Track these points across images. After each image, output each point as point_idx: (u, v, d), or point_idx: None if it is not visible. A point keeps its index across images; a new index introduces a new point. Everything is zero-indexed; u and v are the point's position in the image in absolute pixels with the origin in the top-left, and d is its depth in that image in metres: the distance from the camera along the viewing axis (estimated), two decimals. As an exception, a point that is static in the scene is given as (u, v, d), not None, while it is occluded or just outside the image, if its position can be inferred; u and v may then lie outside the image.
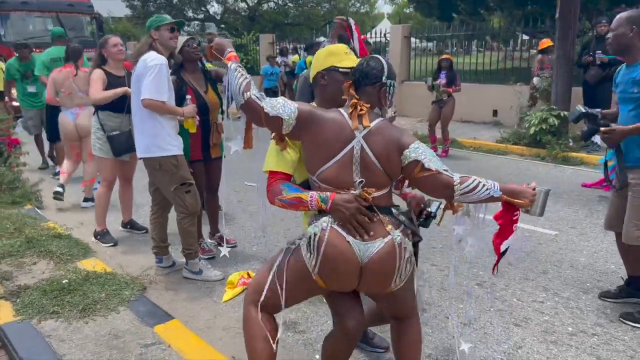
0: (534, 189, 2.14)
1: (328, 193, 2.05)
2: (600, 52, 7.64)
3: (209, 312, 3.40)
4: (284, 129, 2.07)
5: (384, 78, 2.11)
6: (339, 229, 2.02)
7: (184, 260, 3.93)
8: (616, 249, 3.65)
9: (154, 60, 3.48)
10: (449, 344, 3.02)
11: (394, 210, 2.11)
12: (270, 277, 2.17)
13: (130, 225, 4.95)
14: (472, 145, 9.25)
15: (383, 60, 2.15)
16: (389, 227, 2.04)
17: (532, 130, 8.33)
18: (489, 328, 3.20)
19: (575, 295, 3.62)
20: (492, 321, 3.28)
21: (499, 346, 3.01)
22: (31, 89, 7.27)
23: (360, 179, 2.05)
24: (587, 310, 3.40)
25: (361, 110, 2.05)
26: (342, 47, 2.31)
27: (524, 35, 14.28)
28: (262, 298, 2.18)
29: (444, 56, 8.42)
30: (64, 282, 3.61)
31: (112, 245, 4.53)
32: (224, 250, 3.25)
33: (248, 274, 3.85)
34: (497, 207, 2.20)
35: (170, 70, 3.71)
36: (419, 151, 2.05)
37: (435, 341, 3.05)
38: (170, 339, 3.01)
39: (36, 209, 5.47)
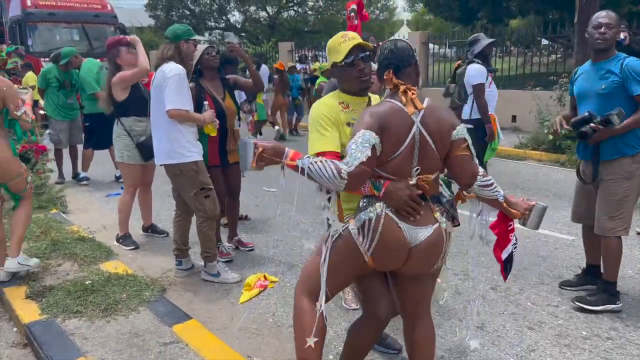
0: (531, 204, 2.34)
1: (381, 180, 2.11)
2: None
3: (226, 313, 3.48)
4: (377, 152, 2.06)
5: (415, 54, 2.23)
6: (392, 215, 2.09)
7: (202, 263, 4.03)
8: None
9: (172, 71, 3.61)
10: (462, 347, 3.05)
11: (441, 198, 2.22)
12: (321, 263, 2.21)
13: (151, 229, 5.07)
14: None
15: (405, 40, 2.28)
16: (437, 214, 2.15)
17: (551, 136, 8.25)
18: (502, 331, 3.21)
19: (591, 299, 3.61)
20: (505, 324, 3.29)
21: (512, 349, 3.02)
22: (69, 100, 7.12)
23: (417, 167, 2.12)
24: (601, 315, 3.38)
25: (413, 94, 2.12)
26: (337, 38, 2.35)
27: (544, 41, 14.16)
28: (315, 285, 2.23)
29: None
30: (87, 283, 3.75)
31: (133, 249, 4.66)
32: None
33: (265, 277, 3.93)
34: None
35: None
36: (465, 132, 2.20)
37: (448, 343, 3.08)
38: (188, 338, 3.10)
39: (61, 213, 5.65)
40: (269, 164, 2.08)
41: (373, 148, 2.03)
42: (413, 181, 2.11)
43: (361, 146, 2.00)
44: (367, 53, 2.32)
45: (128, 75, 4.43)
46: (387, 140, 2.07)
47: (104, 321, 3.30)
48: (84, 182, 7.25)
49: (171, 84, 3.57)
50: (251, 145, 2.05)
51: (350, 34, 2.38)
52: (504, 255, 2.38)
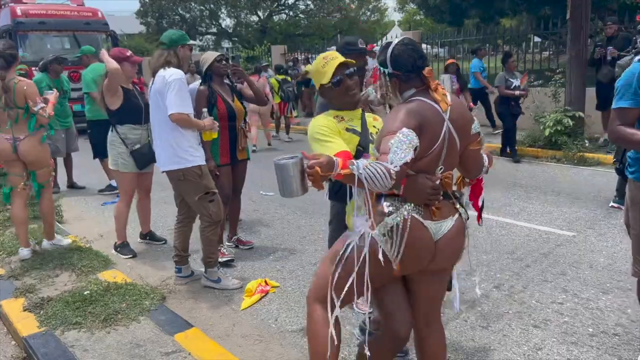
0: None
1: None
2: (611, 47, 7.68)
3: (228, 320, 3.44)
4: (415, 154, 1.97)
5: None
6: (417, 216, 2.06)
7: (202, 269, 3.99)
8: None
9: (172, 76, 3.59)
10: (467, 347, 3.02)
11: (456, 193, 2.22)
12: (338, 272, 2.14)
13: (149, 236, 5.02)
14: (487, 148, 9.20)
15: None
16: (457, 205, 2.17)
17: (547, 132, 8.27)
18: (508, 330, 3.18)
19: (595, 296, 3.59)
20: (510, 323, 3.26)
21: (519, 348, 2.99)
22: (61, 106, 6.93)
23: (441, 167, 2.10)
24: (607, 311, 3.36)
25: (443, 90, 2.08)
26: (319, 61, 2.48)
27: (535, 38, 14.21)
28: (333, 295, 2.16)
29: (450, 61, 8.44)
30: (85, 293, 3.69)
31: (131, 257, 4.60)
32: None
33: (265, 282, 3.89)
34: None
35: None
36: (479, 126, 2.22)
37: (454, 344, 3.04)
38: (190, 347, 3.05)
39: (57, 223, 5.56)
40: (323, 180, 1.85)
41: (416, 147, 1.95)
42: (437, 181, 2.07)
43: (405, 146, 1.90)
44: (351, 69, 2.45)
45: (107, 82, 4.39)
46: (424, 139, 1.99)
47: (104, 332, 3.25)
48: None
49: (173, 89, 3.57)
50: (296, 166, 1.80)
51: (331, 54, 2.51)
52: (480, 202, 2.49)
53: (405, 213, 2.05)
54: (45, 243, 4.67)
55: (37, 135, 4.31)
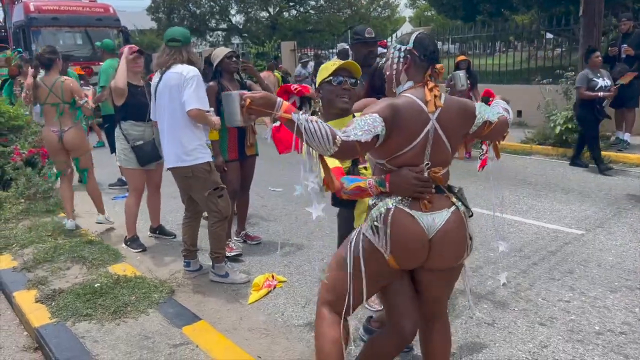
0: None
1: (382, 176, 2.08)
2: (625, 45, 7.58)
3: (235, 314, 3.47)
4: (378, 142, 1.99)
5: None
6: (403, 207, 2.04)
7: (210, 264, 4.03)
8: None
9: (190, 72, 3.63)
10: (473, 344, 3.03)
11: (452, 187, 2.18)
12: (344, 271, 2.15)
13: (159, 230, 5.07)
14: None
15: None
16: (454, 199, 2.11)
17: (557, 130, 8.21)
18: (513, 327, 3.19)
19: (603, 294, 3.58)
20: (516, 321, 3.26)
21: (524, 345, 2.99)
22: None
23: (427, 162, 2.07)
24: (614, 309, 3.36)
25: (437, 92, 2.06)
26: (330, 62, 2.63)
27: (548, 35, 14.08)
28: (338, 298, 2.18)
29: (461, 58, 8.38)
30: (96, 285, 3.75)
31: (141, 251, 4.65)
32: None
33: (273, 276, 3.93)
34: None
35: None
36: (483, 111, 2.18)
37: (459, 340, 3.06)
38: (198, 340, 3.09)
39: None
40: (259, 116, 1.96)
41: (377, 136, 1.95)
42: (424, 173, 2.06)
43: (367, 127, 1.92)
44: (356, 80, 2.56)
45: (112, 89, 4.52)
46: (398, 135, 2.00)
47: (113, 324, 3.30)
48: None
49: (191, 85, 3.62)
50: (237, 98, 1.92)
51: (341, 63, 2.64)
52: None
53: (390, 204, 2.04)
54: (100, 217, 5.34)
55: (79, 125, 4.99)
